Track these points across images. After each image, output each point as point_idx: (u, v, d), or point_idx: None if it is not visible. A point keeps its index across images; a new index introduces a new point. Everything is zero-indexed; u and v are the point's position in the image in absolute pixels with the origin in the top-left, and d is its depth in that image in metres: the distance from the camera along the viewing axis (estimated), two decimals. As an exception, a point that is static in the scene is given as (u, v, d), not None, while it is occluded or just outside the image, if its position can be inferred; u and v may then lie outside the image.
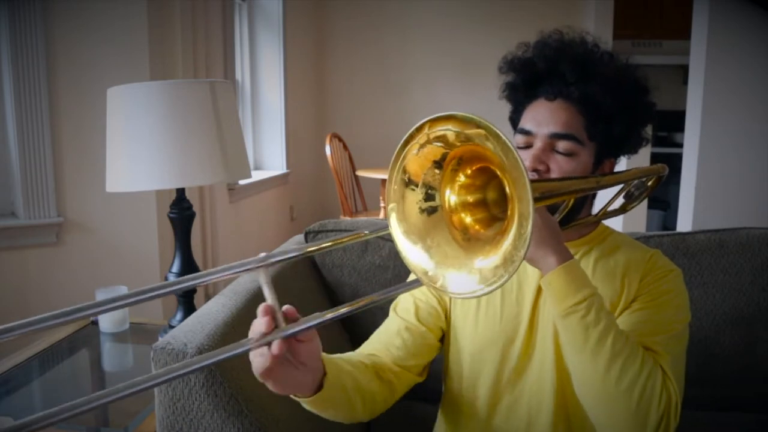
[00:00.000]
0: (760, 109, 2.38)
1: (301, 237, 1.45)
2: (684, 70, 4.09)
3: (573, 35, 0.95)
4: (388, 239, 1.37)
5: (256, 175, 3.76)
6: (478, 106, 4.56)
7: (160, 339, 0.97)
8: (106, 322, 1.66)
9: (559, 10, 4.54)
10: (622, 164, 1.02)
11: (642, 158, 1.15)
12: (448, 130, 0.65)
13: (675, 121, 3.37)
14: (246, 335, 1.03)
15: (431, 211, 0.71)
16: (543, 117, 0.91)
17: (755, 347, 1.28)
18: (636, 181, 1.03)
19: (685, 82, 2.70)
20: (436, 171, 0.70)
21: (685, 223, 2.54)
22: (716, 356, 1.29)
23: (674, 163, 2.73)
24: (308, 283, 1.35)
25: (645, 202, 3.28)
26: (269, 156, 4.21)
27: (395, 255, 1.31)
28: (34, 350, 1.55)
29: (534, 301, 0.95)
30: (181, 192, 1.52)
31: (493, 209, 0.73)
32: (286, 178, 4.28)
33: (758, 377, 1.31)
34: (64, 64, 2.25)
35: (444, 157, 0.68)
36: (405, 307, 1.02)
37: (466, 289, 0.66)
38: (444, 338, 1.03)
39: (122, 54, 2.33)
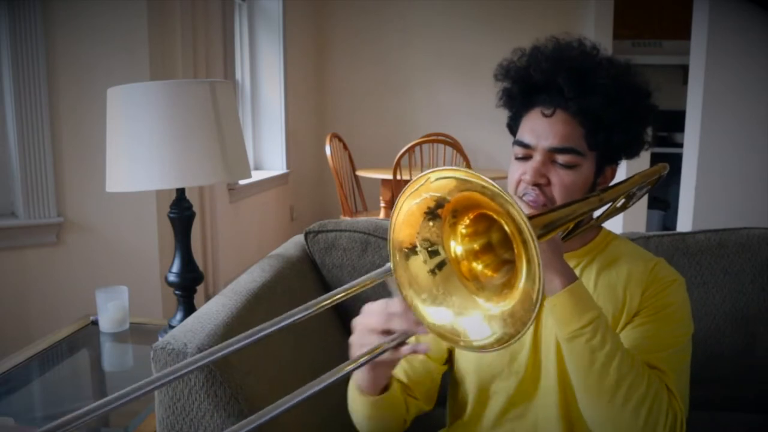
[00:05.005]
0: (760, 109, 2.38)
1: (301, 237, 1.45)
2: (684, 70, 4.09)
3: (569, 39, 0.93)
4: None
5: (256, 175, 3.76)
6: (478, 106, 4.57)
7: (160, 339, 0.97)
8: (106, 322, 1.66)
9: (559, 10, 4.54)
10: (621, 166, 1.01)
11: (642, 158, 1.15)
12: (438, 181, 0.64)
13: (675, 121, 3.38)
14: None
15: (440, 266, 0.70)
16: (542, 129, 0.89)
17: (755, 347, 1.28)
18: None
19: (685, 82, 2.70)
20: (431, 224, 0.68)
21: (685, 223, 2.53)
22: (716, 356, 1.29)
23: (674, 163, 2.73)
24: (308, 283, 1.35)
25: (645, 203, 3.29)
26: (269, 156, 4.22)
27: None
28: (34, 350, 1.55)
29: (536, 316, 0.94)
30: (181, 192, 1.52)
31: (500, 251, 0.72)
32: (286, 178, 4.28)
33: (758, 377, 1.30)
34: (64, 64, 2.25)
35: (436, 206, 0.67)
36: None
37: (489, 339, 0.65)
38: (449, 359, 1.03)
39: (122, 54, 2.33)
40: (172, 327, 1.53)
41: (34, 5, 2.15)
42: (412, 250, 0.69)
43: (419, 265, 0.69)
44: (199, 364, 0.57)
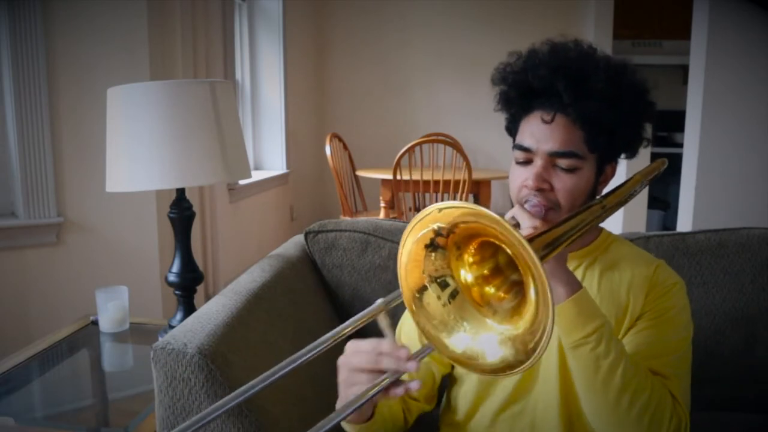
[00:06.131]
0: (760, 108, 2.38)
1: (301, 237, 1.45)
2: (684, 70, 4.09)
3: (565, 41, 0.92)
4: (389, 239, 1.37)
5: (256, 175, 3.76)
6: (478, 106, 4.57)
7: (160, 339, 0.97)
8: (106, 322, 1.66)
9: (559, 10, 4.54)
10: (621, 162, 1.01)
11: (642, 158, 1.15)
12: (433, 224, 0.66)
13: (675, 121, 3.37)
14: (247, 335, 1.04)
15: (453, 296, 0.70)
16: (541, 134, 0.88)
17: (755, 347, 1.28)
18: None
19: (685, 82, 2.70)
20: (433, 256, 0.69)
21: (685, 223, 2.54)
22: (716, 356, 1.29)
23: (674, 163, 2.74)
24: (308, 283, 1.35)
25: (645, 203, 3.28)
26: (269, 156, 4.22)
27: (395, 255, 1.31)
28: (34, 350, 1.55)
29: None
30: (181, 192, 1.52)
31: (508, 272, 0.72)
32: (286, 178, 4.28)
33: (758, 377, 1.31)
34: (64, 64, 2.25)
35: (435, 236, 0.67)
36: (408, 334, 1.02)
37: (501, 364, 0.65)
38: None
39: (122, 54, 2.33)
40: (172, 327, 1.53)
41: (34, 5, 2.15)
42: (424, 289, 0.70)
43: (433, 299, 0.70)
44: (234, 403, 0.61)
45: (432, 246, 0.68)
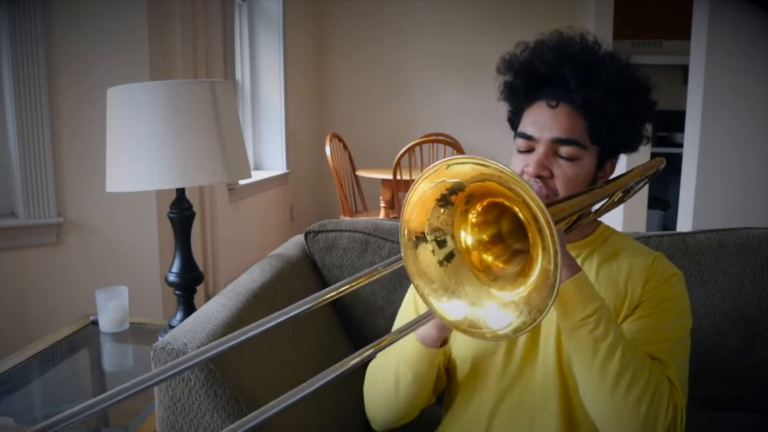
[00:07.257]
0: (760, 108, 2.38)
1: (301, 237, 1.45)
2: (684, 70, 4.09)
3: (572, 34, 0.94)
4: (389, 239, 1.37)
5: (256, 175, 3.76)
6: (478, 106, 4.57)
7: (160, 339, 0.97)
8: (106, 322, 1.66)
9: (559, 10, 4.54)
10: (621, 161, 1.02)
11: (642, 158, 1.16)
12: (452, 176, 0.65)
13: (675, 121, 3.38)
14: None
15: (449, 258, 0.69)
16: (545, 121, 0.90)
17: (755, 347, 1.28)
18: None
19: (685, 82, 2.70)
20: (441, 211, 0.68)
21: (685, 223, 2.54)
22: (716, 356, 1.29)
23: (674, 163, 2.74)
24: (308, 283, 1.35)
25: (645, 203, 3.29)
26: (269, 156, 4.22)
27: (395, 255, 1.31)
28: (34, 350, 1.55)
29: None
30: (181, 192, 1.52)
31: (510, 241, 0.72)
32: (286, 178, 4.28)
33: (758, 377, 1.30)
34: (64, 64, 2.25)
35: (450, 192, 0.67)
36: (409, 314, 1.02)
37: (507, 329, 0.65)
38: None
39: (122, 54, 2.33)
40: (172, 327, 1.53)
41: (34, 5, 2.15)
42: (422, 238, 0.69)
43: (428, 255, 0.69)
44: (201, 358, 0.57)
45: (444, 201, 0.68)
